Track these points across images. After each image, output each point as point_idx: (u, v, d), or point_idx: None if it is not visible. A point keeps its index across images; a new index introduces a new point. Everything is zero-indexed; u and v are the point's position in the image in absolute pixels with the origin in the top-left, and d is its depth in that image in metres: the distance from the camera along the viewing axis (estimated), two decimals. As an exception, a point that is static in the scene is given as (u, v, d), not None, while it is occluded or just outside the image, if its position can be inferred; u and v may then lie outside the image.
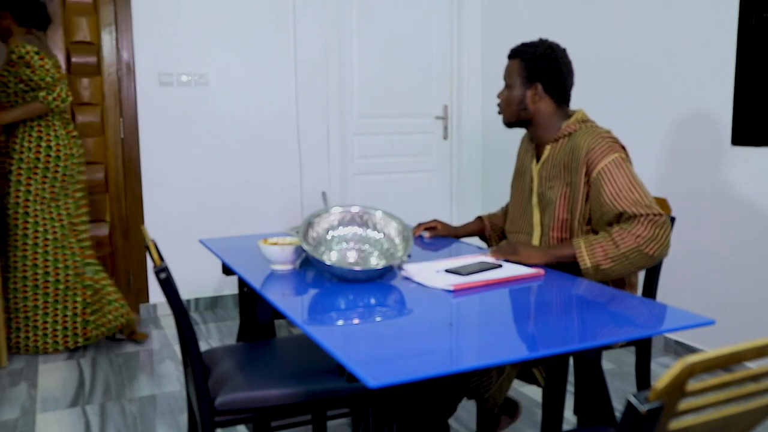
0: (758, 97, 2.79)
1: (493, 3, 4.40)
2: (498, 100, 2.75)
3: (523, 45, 2.07)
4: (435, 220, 2.41)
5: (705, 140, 3.05)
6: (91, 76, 3.69)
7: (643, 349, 2.19)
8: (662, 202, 2.22)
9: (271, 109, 4.05)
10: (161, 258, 1.70)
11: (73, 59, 3.63)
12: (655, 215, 1.87)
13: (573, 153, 2.01)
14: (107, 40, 3.68)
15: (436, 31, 4.47)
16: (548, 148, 2.10)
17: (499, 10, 4.34)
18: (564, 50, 2.08)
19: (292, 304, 1.56)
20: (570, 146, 2.03)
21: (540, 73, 2.04)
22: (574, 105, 3.80)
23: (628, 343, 2.14)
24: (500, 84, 4.36)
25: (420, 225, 2.41)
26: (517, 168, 2.28)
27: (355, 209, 1.93)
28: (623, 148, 2.00)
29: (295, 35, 4.04)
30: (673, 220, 2.16)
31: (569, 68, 2.08)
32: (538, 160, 2.15)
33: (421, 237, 2.38)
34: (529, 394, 2.81)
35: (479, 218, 2.45)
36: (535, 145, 2.18)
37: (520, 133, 4.22)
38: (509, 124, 2.14)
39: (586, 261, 1.88)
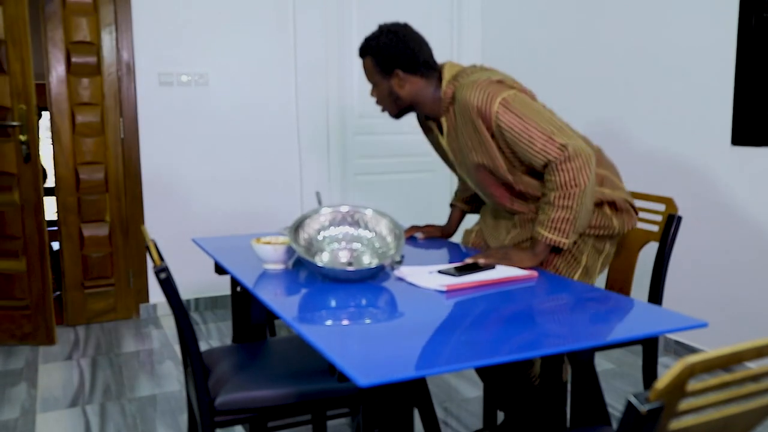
0: (758, 97, 2.78)
1: (493, 3, 4.40)
2: (374, 101, 2.70)
3: (366, 41, 2.06)
4: (428, 225, 2.40)
5: (705, 140, 3.04)
6: (91, 76, 3.69)
7: (649, 348, 2.19)
8: (668, 201, 2.22)
9: (271, 109, 4.05)
10: (161, 258, 1.69)
11: (73, 59, 3.63)
12: (560, 152, 1.85)
13: (464, 115, 1.98)
14: (107, 40, 3.68)
15: (436, 31, 4.47)
16: (444, 120, 2.08)
17: (499, 10, 4.34)
18: (405, 25, 2.05)
19: (285, 304, 1.56)
20: (459, 109, 2.00)
21: (392, 60, 2.02)
22: (573, 104, 3.80)
23: (632, 343, 2.14)
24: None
25: (413, 227, 2.41)
26: (434, 147, 2.27)
27: (344, 209, 1.92)
28: (500, 82, 1.96)
29: (295, 35, 4.04)
30: (679, 219, 2.16)
31: (418, 40, 2.04)
32: (442, 134, 2.14)
33: (413, 238, 2.38)
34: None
35: (453, 206, 2.44)
36: (433, 120, 2.15)
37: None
38: (396, 116, 2.14)
39: (563, 241, 1.89)
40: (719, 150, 2.98)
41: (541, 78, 4.01)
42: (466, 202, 2.42)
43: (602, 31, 3.56)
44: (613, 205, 2.05)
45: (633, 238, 2.32)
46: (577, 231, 1.91)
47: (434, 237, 2.39)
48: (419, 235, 2.38)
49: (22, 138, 3.31)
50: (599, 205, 2.04)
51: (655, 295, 2.21)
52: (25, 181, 3.38)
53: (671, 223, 2.17)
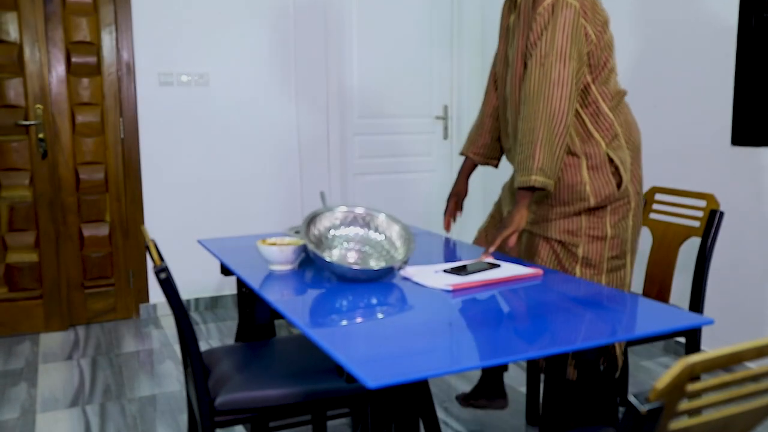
0: (758, 97, 2.79)
1: (493, 3, 4.39)
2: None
3: None
4: (451, 208, 2.36)
5: (705, 140, 3.05)
6: (91, 76, 3.69)
7: (692, 341, 2.22)
8: (709, 198, 2.25)
9: (271, 109, 4.05)
10: (161, 258, 1.69)
11: (73, 59, 3.63)
12: (541, 61, 1.87)
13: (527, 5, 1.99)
14: (107, 40, 3.68)
15: (436, 31, 4.47)
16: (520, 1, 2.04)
17: (498, 10, 4.34)
18: None
19: (291, 305, 1.56)
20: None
21: None
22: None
23: (635, 342, 2.14)
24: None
25: (448, 216, 2.35)
26: (497, 53, 2.22)
27: (359, 210, 1.93)
28: None
29: (295, 35, 4.04)
30: (721, 215, 2.20)
31: None
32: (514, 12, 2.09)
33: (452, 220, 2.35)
34: (514, 385, 2.81)
35: (464, 156, 2.38)
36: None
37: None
38: None
39: (532, 179, 1.87)
40: (719, 150, 2.98)
41: (541, 78, 4.00)
42: (477, 152, 2.32)
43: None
44: (590, 160, 1.99)
45: (673, 234, 2.35)
46: (546, 168, 1.87)
47: (460, 205, 2.37)
48: (453, 219, 2.36)
49: (41, 136, 3.52)
50: (573, 155, 2.01)
51: (698, 290, 2.23)
52: (40, 177, 3.59)
53: (713, 218, 2.20)
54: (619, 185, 2.03)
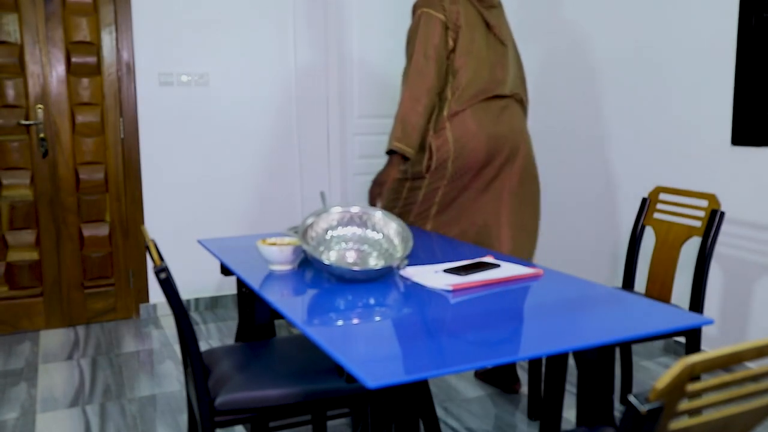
0: (758, 97, 2.79)
1: (493, 3, 4.39)
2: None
3: None
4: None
5: (705, 140, 3.05)
6: (91, 76, 3.69)
7: (692, 341, 2.23)
8: (711, 197, 2.27)
9: (271, 109, 4.05)
10: (161, 258, 1.69)
11: (73, 59, 3.63)
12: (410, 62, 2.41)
13: None
14: (107, 40, 3.68)
15: (436, 31, 4.46)
16: None
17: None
18: None
19: (291, 305, 1.56)
20: None
21: None
22: (573, 106, 3.80)
23: (639, 341, 2.17)
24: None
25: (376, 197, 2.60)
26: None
27: (355, 209, 1.93)
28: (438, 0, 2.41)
29: (295, 35, 4.04)
30: (722, 215, 2.21)
31: None
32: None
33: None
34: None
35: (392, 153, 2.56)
36: None
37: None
38: None
39: (398, 144, 2.38)
40: (719, 150, 2.98)
41: (542, 78, 4.01)
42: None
43: (602, 31, 3.56)
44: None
45: (675, 234, 2.37)
46: (404, 137, 2.38)
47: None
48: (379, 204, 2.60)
49: (41, 135, 3.54)
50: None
51: (698, 290, 2.24)
52: (41, 176, 3.61)
53: (714, 218, 2.22)
54: (428, 168, 2.54)
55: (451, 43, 2.41)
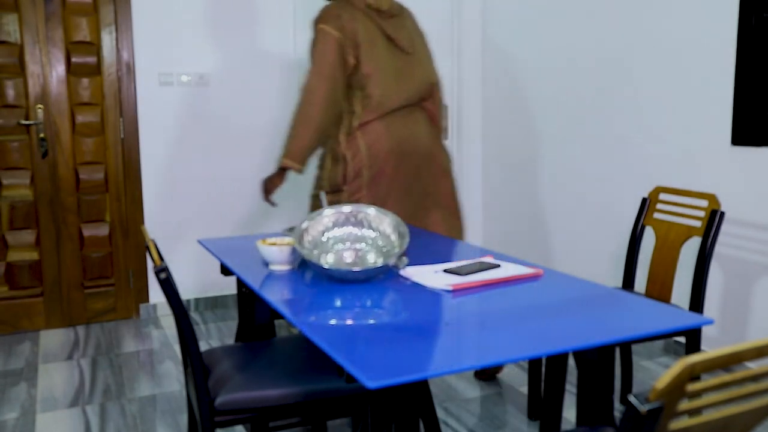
0: (758, 97, 2.79)
1: (493, 3, 4.40)
2: None
3: None
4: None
5: (705, 140, 3.05)
6: (91, 76, 3.69)
7: (692, 341, 2.24)
8: (711, 197, 2.27)
9: (271, 109, 4.05)
10: (161, 258, 1.69)
11: (73, 59, 3.63)
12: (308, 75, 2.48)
13: None
14: (107, 40, 3.68)
15: (436, 31, 4.47)
16: None
17: (499, 10, 4.34)
18: None
19: (291, 305, 1.56)
20: None
21: None
22: (573, 106, 3.80)
23: (642, 341, 2.17)
24: (501, 85, 4.36)
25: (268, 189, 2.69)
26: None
27: (347, 209, 1.93)
28: (336, 16, 2.44)
29: (295, 35, 4.04)
30: (722, 215, 2.22)
31: None
32: None
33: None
34: (514, 385, 2.81)
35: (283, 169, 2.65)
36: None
37: (521, 133, 4.22)
38: None
39: (285, 160, 2.48)
40: (719, 150, 2.98)
41: (542, 78, 4.01)
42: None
43: (602, 30, 3.56)
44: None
45: (675, 234, 2.37)
46: (293, 155, 2.49)
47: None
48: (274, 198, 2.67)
49: (41, 135, 3.54)
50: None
51: (698, 290, 2.24)
52: (41, 176, 3.62)
53: (714, 218, 2.22)
54: (344, 178, 2.61)
55: (352, 60, 2.48)
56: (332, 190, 2.64)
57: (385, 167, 2.60)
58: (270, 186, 2.64)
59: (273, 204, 2.68)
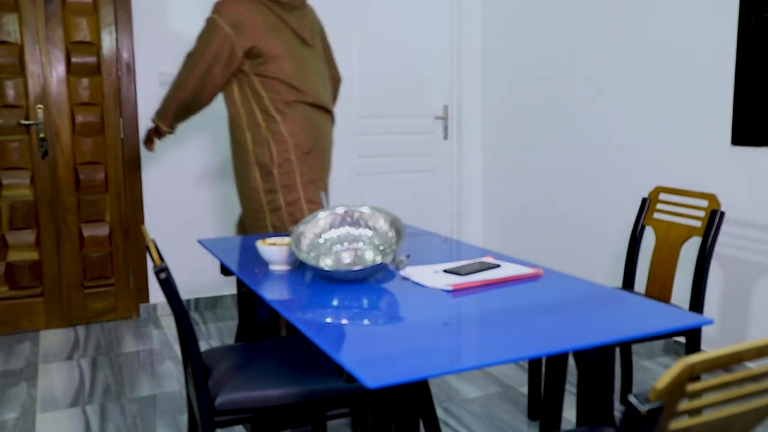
0: (758, 97, 2.79)
1: (493, 3, 4.40)
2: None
3: None
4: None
5: (705, 140, 3.05)
6: (91, 76, 3.69)
7: (692, 341, 2.24)
8: (711, 197, 2.28)
9: (271, 109, 4.05)
10: (161, 258, 1.69)
11: (73, 59, 3.63)
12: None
13: None
14: (107, 40, 3.68)
15: (436, 31, 4.47)
16: None
17: (499, 10, 4.34)
18: None
19: (291, 305, 1.56)
20: None
21: None
22: (573, 106, 3.80)
23: (640, 341, 2.16)
24: (500, 84, 4.36)
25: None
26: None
27: (341, 210, 1.93)
28: (233, 11, 2.49)
29: (295, 35, 4.04)
30: (722, 215, 2.22)
31: None
32: None
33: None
34: (514, 385, 2.81)
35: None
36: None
37: (521, 133, 4.22)
38: None
39: (156, 120, 2.74)
40: (719, 150, 2.98)
41: (542, 78, 4.01)
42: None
43: (602, 30, 3.56)
44: (255, 136, 2.66)
45: (675, 234, 2.37)
46: (162, 116, 2.73)
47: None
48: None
49: (41, 135, 3.53)
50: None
51: (698, 290, 2.24)
52: (41, 176, 3.62)
53: (714, 218, 2.23)
54: (272, 159, 2.66)
55: (240, 54, 2.54)
56: (264, 175, 2.68)
57: (308, 156, 2.69)
58: (149, 137, 2.91)
59: (151, 150, 2.95)
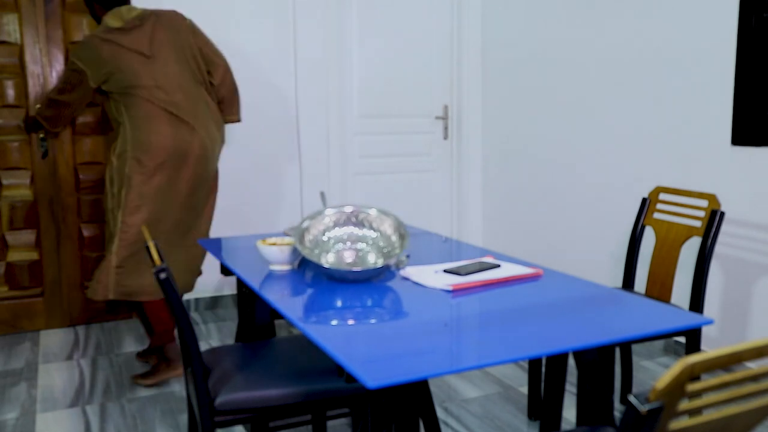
0: (758, 97, 2.79)
1: (493, 3, 4.40)
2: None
3: None
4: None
5: (705, 140, 3.05)
6: (91, 76, 3.68)
7: (692, 341, 2.24)
8: (711, 198, 2.28)
9: (271, 109, 4.05)
10: (161, 258, 1.69)
11: (73, 59, 3.63)
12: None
13: None
14: (107, 40, 3.68)
15: (436, 31, 4.47)
16: None
17: (499, 10, 4.34)
18: None
19: (291, 305, 1.56)
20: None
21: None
22: (573, 106, 3.80)
23: (640, 341, 2.16)
24: (500, 84, 4.36)
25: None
26: None
27: (348, 209, 1.93)
28: (85, 51, 2.82)
29: (295, 35, 4.04)
30: (722, 215, 2.22)
31: None
32: None
33: None
34: (514, 385, 2.81)
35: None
36: None
37: (522, 133, 4.23)
38: None
39: (34, 112, 3.00)
40: (719, 150, 2.98)
41: (542, 78, 4.01)
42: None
43: (602, 30, 3.56)
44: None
45: (675, 234, 2.37)
46: (41, 113, 3.00)
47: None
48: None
49: (41, 135, 3.53)
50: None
51: (698, 290, 2.24)
52: (41, 176, 3.62)
53: (714, 218, 2.23)
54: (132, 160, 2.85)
55: (93, 85, 2.87)
56: (120, 178, 2.86)
57: (166, 164, 2.85)
58: (29, 125, 3.12)
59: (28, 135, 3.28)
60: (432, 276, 1.76)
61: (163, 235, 2.92)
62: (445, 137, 4.58)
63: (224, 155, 3.97)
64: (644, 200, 2.59)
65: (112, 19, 2.86)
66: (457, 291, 1.65)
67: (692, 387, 0.83)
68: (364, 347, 1.26)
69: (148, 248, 1.75)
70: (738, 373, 0.86)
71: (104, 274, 2.86)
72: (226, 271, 2.20)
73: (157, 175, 2.84)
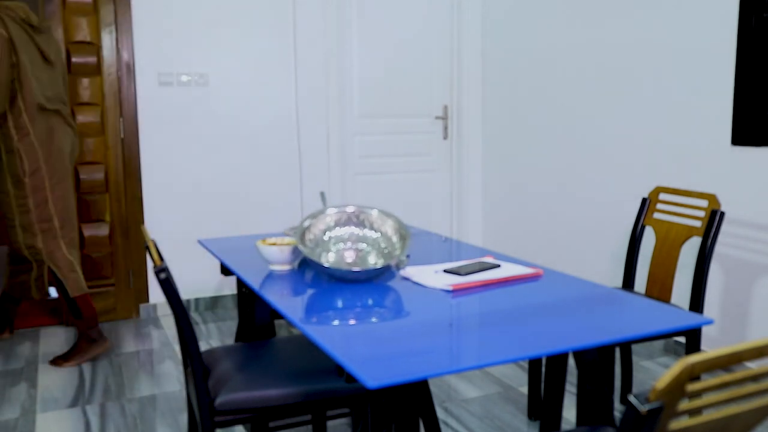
0: (758, 97, 2.79)
1: (493, 3, 4.40)
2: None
3: None
4: None
5: (705, 140, 3.05)
6: (91, 76, 3.69)
7: (692, 341, 2.24)
8: (711, 198, 2.28)
9: (271, 109, 4.05)
10: (161, 258, 1.69)
11: (73, 59, 3.63)
12: None
13: None
14: (107, 40, 3.68)
15: (436, 31, 4.47)
16: None
17: (499, 10, 4.34)
18: None
19: (291, 305, 1.56)
20: None
21: None
22: (573, 105, 3.80)
23: (639, 341, 2.17)
24: (500, 84, 4.36)
25: None
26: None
27: (350, 209, 1.93)
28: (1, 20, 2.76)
29: (296, 35, 4.04)
30: (722, 215, 2.22)
31: None
32: None
33: None
34: (514, 385, 2.81)
35: None
36: None
37: (522, 133, 4.22)
38: None
39: None
40: (719, 150, 2.98)
41: (542, 78, 4.01)
42: None
43: (602, 31, 3.56)
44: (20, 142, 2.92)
45: (675, 234, 2.38)
46: None
47: None
48: None
49: None
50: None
51: (698, 290, 2.24)
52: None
53: (714, 218, 2.23)
54: (23, 170, 2.91)
55: (14, 58, 2.83)
56: (14, 180, 2.93)
57: (58, 167, 2.98)
58: None
59: None
60: (432, 276, 1.76)
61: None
62: (445, 137, 4.58)
63: (225, 155, 3.97)
64: (644, 200, 2.59)
65: None
66: (457, 291, 1.65)
67: (692, 387, 0.83)
68: (364, 347, 1.26)
69: (148, 248, 1.75)
70: (738, 373, 0.86)
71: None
72: (226, 271, 2.20)
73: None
